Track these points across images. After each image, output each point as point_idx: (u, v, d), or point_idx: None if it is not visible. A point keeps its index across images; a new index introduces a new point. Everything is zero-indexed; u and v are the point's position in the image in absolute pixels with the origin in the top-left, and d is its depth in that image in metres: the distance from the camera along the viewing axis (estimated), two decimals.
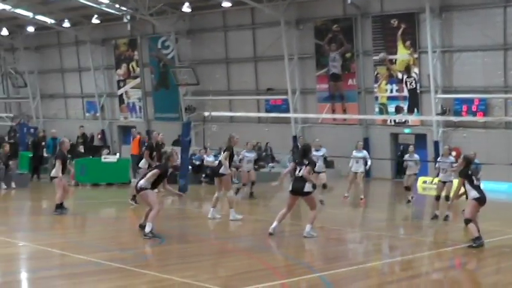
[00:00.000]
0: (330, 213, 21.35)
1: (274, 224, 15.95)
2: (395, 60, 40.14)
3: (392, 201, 30.36)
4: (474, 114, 37.00)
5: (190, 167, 30.09)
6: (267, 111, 44.40)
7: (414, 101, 39.61)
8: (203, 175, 32.14)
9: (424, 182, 36.52)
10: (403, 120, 40.39)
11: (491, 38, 36.48)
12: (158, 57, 50.40)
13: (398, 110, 40.25)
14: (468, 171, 16.33)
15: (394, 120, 40.68)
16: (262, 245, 15.22)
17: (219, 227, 17.99)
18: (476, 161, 21.97)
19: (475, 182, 16.25)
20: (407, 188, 25.29)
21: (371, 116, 40.48)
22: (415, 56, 39.31)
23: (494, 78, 36.92)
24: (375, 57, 40.72)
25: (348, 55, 41.97)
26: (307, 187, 15.68)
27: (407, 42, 39.47)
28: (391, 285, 11.78)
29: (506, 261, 14.84)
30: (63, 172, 18.98)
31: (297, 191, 15.83)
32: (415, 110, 39.55)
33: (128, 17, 47.58)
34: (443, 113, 37.80)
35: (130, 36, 51.56)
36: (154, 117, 51.45)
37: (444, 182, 21.20)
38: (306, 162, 15.85)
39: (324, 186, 23.85)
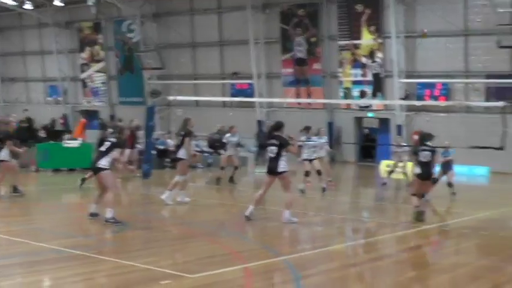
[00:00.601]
0: (295, 197, 21.49)
1: (251, 207, 15.91)
2: (360, 45, 40.33)
3: (356, 184, 30.61)
4: (436, 98, 37.38)
5: (154, 152, 30.01)
6: (233, 95, 44.43)
7: (378, 86, 39.88)
8: (167, 160, 32.07)
9: (388, 165, 36.84)
10: (367, 105, 40.65)
11: (453, 23, 36.84)
12: (123, 40, 50.09)
13: (362, 94, 40.50)
14: (418, 149, 17.06)
15: (359, 105, 40.94)
16: (226, 230, 15.30)
17: (183, 213, 18.00)
18: (451, 150, 22.34)
19: (420, 158, 16.86)
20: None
21: (335, 100, 40.66)
22: (379, 41, 39.55)
23: (456, 63, 37.32)
24: (340, 42, 40.88)
25: (313, 40, 42.07)
26: (281, 166, 15.42)
27: (372, 28, 39.69)
28: (354, 267, 11.91)
29: (465, 242, 15.12)
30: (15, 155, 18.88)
31: (271, 170, 15.64)
32: (379, 94, 39.83)
33: None
34: (406, 97, 38.11)
35: (95, 19, 51.07)
36: (119, 101, 51.19)
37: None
38: (277, 142, 15.52)
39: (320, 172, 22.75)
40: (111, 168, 15.26)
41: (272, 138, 15.75)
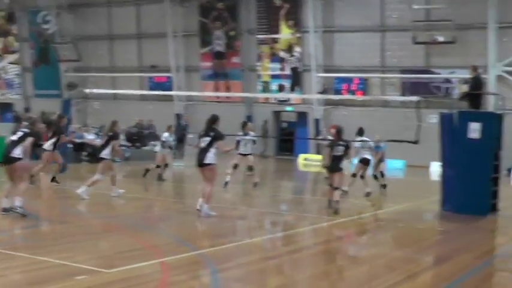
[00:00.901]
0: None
1: (200, 200, 15.78)
2: (278, 39, 40.56)
3: (275, 178, 30.78)
4: (353, 93, 37.90)
5: (70, 145, 29.58)
6: (151, 88, 44.18)
7: (296, 80, 40.21)
8: (84, 153, 31.67)
9: (306, 159, 37.25)
10: (285, 99, 40.91)
11: (370, 19, 37.45)
12: (38, 32, 49.16)
13: (280, 88, 40.76)
14: (334, 143, 17.81)
15: (277, 98, 41.18)
16: (143, 224, 15.18)
17: (99, 207, 17.79)
18: (381, 144, 22.76)
19: (334, 152, 17.56)
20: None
21: (254, 94, 40.82)
22: (298, 35, 39.86)
23: (372, 58, 37.94)
24: (259, 36, 41.03)
25: (232, 33, 42.14)
26: (209, 158, 15.37)
27: (290, 22, 39.98)
28: (273, 260, 11.96)
29: (382, 234, 15.43)
30: None
31: (199, 162, 15.57)
32: (297, 88, 40.14)
33: None
34: (323, 91, 38.52)
35: (9, 9, 49.98)
36: (34, 94, 50.24)
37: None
38: (212, 134, 15.52)
39: (251, 168, 23.26)
40: (25, 158, 14.79)
41: (210, 130, 15.66)
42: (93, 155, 31.51)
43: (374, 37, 38.09)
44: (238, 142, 22.34)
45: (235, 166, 22.35)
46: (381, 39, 37.86)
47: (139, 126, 37.75)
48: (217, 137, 15.53)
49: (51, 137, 20.84)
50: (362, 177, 21.71)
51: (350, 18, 38.46)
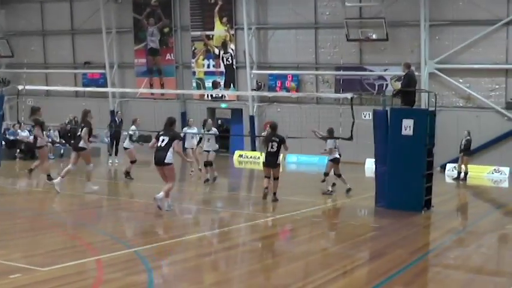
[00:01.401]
0: (147, 188, 21.41)
1: (160, 194, 15.92)
2: (213, 36, 40.55)
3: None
4: (288, 90, 38.09)
5: (3, 142, 29.13)
6: (85, 85, 43.68)
7: (231, 77, 40.25)
8: (17, 150, 31.25)
9: (240, 155, 37.35)
10: (220, 95, 40.93)
11: (304, 16, 37.69)
12: None
13: (215, 85, 40.77)
14: (269, 138, 19.12)
15: (211, 95, 41.15)
16: (77, 221, 15.07)
17: (34, 204, 17.62)
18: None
19: (269, 148, 18.95)
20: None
21: (188, 90, 40.75)
22: (232, 32, 39.91)
23: (306, 55, 38.20)
24: (193, 33, 40.97)
25: (166, 30, 41.98)
26: (168, 158, 15.90)
27: (224, 19, 40.00)
28: (208, 257, 12.00)
29: (316, 230, 15.59)
30: None
31: (158, 161, 16.04)
32: (232, 85, 40.19)
33: None
34: (258, 88, 38.66)
35: None
36: None
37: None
38: (171, 134, 16.24)
39: (210, 164, 23.44)
40: None
41: (168, 131, 16.40)
42: (27, 151, 31.20)
43: (308, 34, 38.35)
44: (200, 139, 24.28)
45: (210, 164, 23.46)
46: (314, 36, 38.13)
47: (73, 123, 37.28)
48: (175, 137, 16.36)
49: None
50: (339, 175, 22.16)
51: (283, 15, 38.65)
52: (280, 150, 19.06)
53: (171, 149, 16.02)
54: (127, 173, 23.71)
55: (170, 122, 16.70)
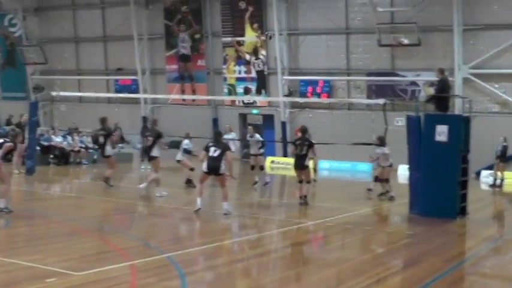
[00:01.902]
0: (178, 193, 21.48)
1: (198, 200, 17.05)
2: (244, 42, 40.58)
3: (241, 181, 30.73)
4: (319, 95, 37.99)
5: (38, 148, 29.37)
6: (117, 91, 43.90)
7: (262, 83, 40.22)
8: (51, 156, 31.49)
9: (272, 161, 37.31)
10: (251, 101, 40.93)
11: (335, 22, 37.56)
12: (5, 35, 48.72)
13: (246, 91, 40.76)
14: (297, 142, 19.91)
15: (243, 101, 41.16)
16: (111, 226, 15.14)
17: (68, 209, 17.72)
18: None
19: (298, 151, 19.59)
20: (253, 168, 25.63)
21: (220, 96, 40.76)
22: (263, 38, 39.89)
23: (338, 61, 38.04)
24: (224, 39, 41.06)
25: (197, 36, 42.06)
26: (222, 168, 16.87)
27: (255, 25, 39.99)
28: (240, 263, 11.99)
29: (349, 238, 15.47)
30: None
31: (212, 170, 16.98)
32: (263, 91, 40.18)
33: None
34: (289, 94, 38.60)
35: None
36: (2, 96, 49.76)
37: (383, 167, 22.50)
38: (222, 146, 17.20)
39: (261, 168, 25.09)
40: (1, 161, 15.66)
41: (219, 142, 17.49)
42: (61, 157, 31.45)
43: (339, 39, 38.21)
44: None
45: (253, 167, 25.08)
46: (346, 41, 38.00)
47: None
48: (226, 148, 17.35)
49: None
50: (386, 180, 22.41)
51: (315, 21, 38.54)
52: (308, 154, 19.57)
53: (223, 160, 16.90)
54: (189, 181, 23.69)
55: (219, 134, 18.39)
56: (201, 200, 17.20)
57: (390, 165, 22.51)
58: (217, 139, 17.63)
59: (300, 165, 19.56)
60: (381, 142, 21.95)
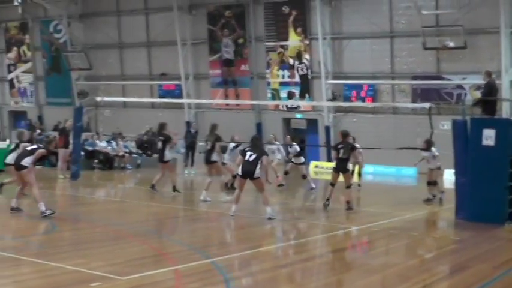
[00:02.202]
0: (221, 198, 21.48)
1: (234, 206, 17.15)
2: (287, 46, 40.53)
3: (285, 185, 30.65)
4: (363, 99, 37.79)
5: (82, 153, 29.64)
6: (161, 96, 44.16)
7: (306, 87, 40.13)
8: (95, 161, 31.75)
9: (316, 166, 37.17)
10: (295, 106, 40.86)
11: (379, 25, 37.32)
12: (50, 41, 49.35)
13: (290, 95, 40.71)
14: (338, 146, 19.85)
15: (286, 106, 41.12)
16: (156, 231, 15.20)
17: (113, 213, 17.83)
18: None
19: (339, 155, 19.43)
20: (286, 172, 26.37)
21: (263, 101, 40.76)
22: (306, 42, 39.81)
23: (382, 64, 37.78)
24: (267, 44, 41.07)
25: (240, 41, 42.12)
26: (257, 172, 16.97)
27: (299, 29, 39.93)
28: (285, 268, 11.93)
29: (394, 243, 15.29)
30: None
31: (247, 174, 17.06)
32: (307, 95, 40.09)
33: None
34: (333, 98, 38.44)
35: (22, 19, 50.26)
36: (46, 102, 50.43)
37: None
38: (259, 151, 17.36)
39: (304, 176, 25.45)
40: (33, 166, 16.17)
41: (256, 147, 17.63)
42: (105, 162, 31.71)
43: (383, 43, 37.97)
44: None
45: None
46: (390, 45, 37.76)
47: (149, 134, 37.75)
48: (263, 153, 17.60)
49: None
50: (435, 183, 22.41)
51: (358, 25, 38.38)
52: (349, 157, 19.76)
53: (259, 164, 17.06)
54: (231, 185, 23.68)
55: (257, 139, 18.41)
56: (236, 206, 17.26)
57: (439, 168, 22.27)
58: (254, 144, 17.74)
59: (342, 168, 19.54)
60: (428, 145, 21.72)
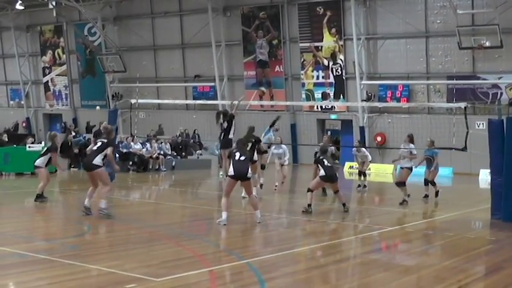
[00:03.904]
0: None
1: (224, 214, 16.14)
2: (321, 47, 40.46)
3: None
4: (398, 100, 37.63)
5: (117, 155, 29.83)
6: (195, 98, 44.35)
7: (340, 88, 40.06)
8: (130, 163, 31.93)
9: (351, 167, 37.04)
10: (330, 107, 40.79)
11: (414, 25, 37.18)
12: (85, 44, 49.79)
13: (324, 96, 40.65)
14: (320, 157, 18.98)
15: (321, 107, 41.07)
16: (190, 233, 15.22)
17: (147, 215, 17.91)
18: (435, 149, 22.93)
19: (325, 163, 18.69)
20: None
21: (298, 102, 40.76)
22: (341, 43, 39.73)
23: (417, 64, 37.65)
24: (302, 44, 41.01)
25: (274, 42, 42.18)
26: (249, 173, 16.29)
27: (333, 30, 39.88)
28: (319, 269, 11.88)
29: (429, 243, 15.20)
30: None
31: (240, 175, 16.09)
32: (341, 96, 39.99)
33: (54, 3, 46.77)
34: (368, 99, 38.31)
35: (56, 22, 50.79)
36: (81, 104, 50.86)
37: (403, 168, 21.85)
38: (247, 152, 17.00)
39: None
40: (104, 165, 16.40)
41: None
42: (140, 164, 31.88)
43: (418, 43, 37.82)
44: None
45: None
46: (425, 45, 37.56)
47: (184, 135, 37.92)
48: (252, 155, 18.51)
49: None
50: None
51: (393, 25, 38.26)
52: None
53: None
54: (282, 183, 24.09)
55: (242, 142, 17.19)
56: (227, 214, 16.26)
57: (410, 168, 21.93)
58: (242, 145, 16.90)
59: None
60: (410, 140, 22.03)
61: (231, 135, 20.76)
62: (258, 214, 16.31)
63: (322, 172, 18.70)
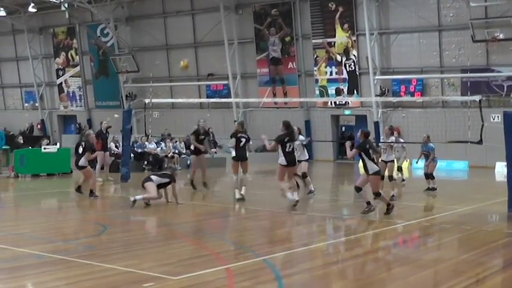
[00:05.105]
0: (273, 196, 21.43)
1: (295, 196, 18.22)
2: (334, 43, 40.41)
3: (335, 182, 30.61)
4: (412, 94, 37.57)
5: (132, 155, 29.88)
6: (208, 96, 44.42)
7: (354, 83, 40.01)
8: (145, 162, 31.97)
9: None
10: (344, 102, 40.73)
11: (426, 19, 37.07)
12: (97, 45, 49.94)
13: (338, 92, 40.62)
14: (366, 145, 17.29)
15: (335, 102, 41.01)
16: (206, 231, 15.24)
17: (163, 214, 17.94)
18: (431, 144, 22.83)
19: (371, 155, 17.29)
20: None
21: (312, 98, 40.75)
22: (353, 38, 39.67)
23: (430, 58, 37.55)
24: (314, 41, 40.96)
25: (287, 39, 42.17)
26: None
27: (345, 25, 39.85)
28: (336, 265, 11.87)
29: (446, 237, 15.12)
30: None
31: (292, 163, 18.46)
32: (355, 91, 39.93)
33: (66, 4, 46.91)
34: (382, 94, 38.25)
35: (69, 24, 50.96)
36: (95, 105, 51.01)
37: (386, 162, 21.70)
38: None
39: (304, 175, 22.27)
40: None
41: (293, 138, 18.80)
42: (154, 163, 31.91)
43: (431, 37, 37.72)
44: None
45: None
46: (438, 38, 37.45)
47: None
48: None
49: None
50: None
51: (406, 19, 38.16)
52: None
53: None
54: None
55: (290, 127, 18.69)
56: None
57: (392, 161, 22.49)
58: (291, 134, 18.65)
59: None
60: (391, 132, 23.11)
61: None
62: (291, 195, 18.07)
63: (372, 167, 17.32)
